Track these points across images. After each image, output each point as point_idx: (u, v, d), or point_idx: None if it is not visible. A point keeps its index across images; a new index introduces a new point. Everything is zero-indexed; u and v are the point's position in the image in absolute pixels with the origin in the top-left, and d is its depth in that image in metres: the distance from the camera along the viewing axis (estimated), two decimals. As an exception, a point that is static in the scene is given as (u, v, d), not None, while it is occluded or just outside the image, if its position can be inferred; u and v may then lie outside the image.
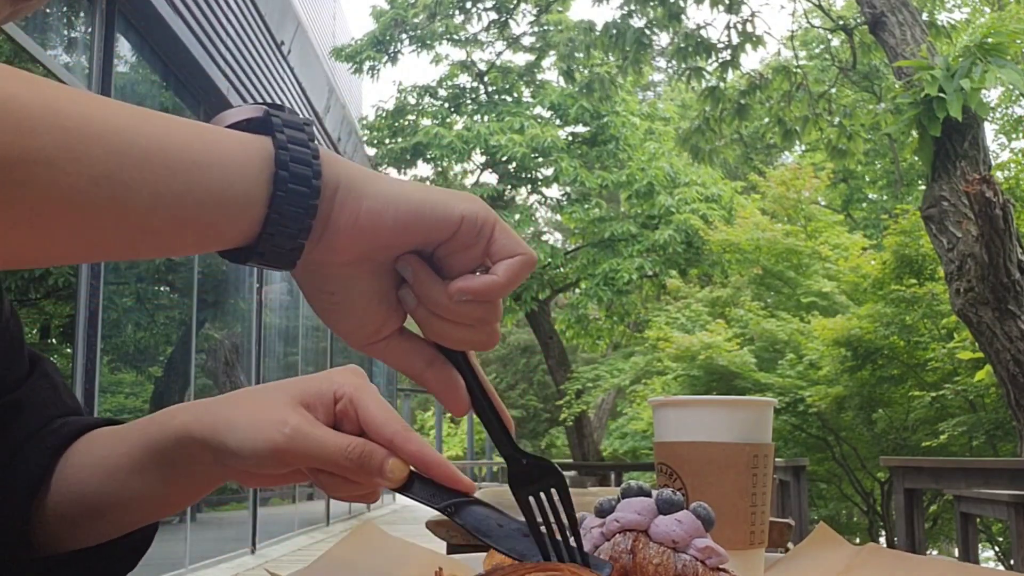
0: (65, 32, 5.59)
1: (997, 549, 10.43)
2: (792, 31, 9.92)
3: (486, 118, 17.24)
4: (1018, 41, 6.69)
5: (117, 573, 0.76)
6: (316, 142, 0.54)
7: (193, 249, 0.52)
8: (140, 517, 0.75)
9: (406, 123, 17.78)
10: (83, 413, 0.80)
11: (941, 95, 6.01)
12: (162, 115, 0.50)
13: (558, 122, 17.92)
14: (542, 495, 0.61)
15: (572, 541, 0.61)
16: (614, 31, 9.41)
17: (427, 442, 0.65)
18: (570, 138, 17.61)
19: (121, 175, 0.47)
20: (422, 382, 0.60)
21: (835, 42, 13.96)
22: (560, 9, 16.36)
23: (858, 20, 8.23)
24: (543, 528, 0.60)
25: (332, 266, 0.55)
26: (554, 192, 18.77)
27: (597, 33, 9.60)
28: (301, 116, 0.54)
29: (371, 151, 17.46)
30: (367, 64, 17.10)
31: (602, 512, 0.68)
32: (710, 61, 9.25)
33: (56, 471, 0.73)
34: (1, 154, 0.43)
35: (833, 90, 9.41)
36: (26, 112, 0.44)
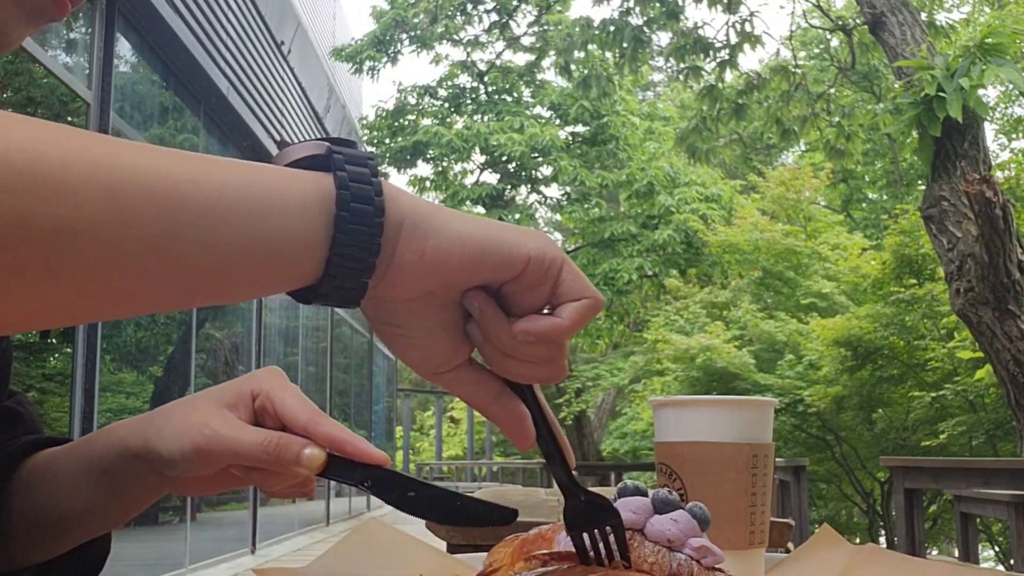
0: (65, 32, 5.59)
1: (997, 549, 10.43)
2: (791, 31, 9.92)
3: (486, 118, 17.25)
4: (1018, 41, 6.69)
5: None
6: (380, 177, 0.52)
7: (253, 295, 0.51)
8: (85, 533, 0.77)
9: (406, 123, 17.78)
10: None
11: (941, 95, 6.01)
12: (216, 161, 0.48)
13: (558, 122, 17.93)
14: (596, 533, 0.61)
15: None
16: (612, 28, 9.41)
17: (338, 423, 0.67)
18: (570, 138, 17.62)
19: (175, 235, 0.45)
20: (489, 415, 0.59)
21: (834, 42, 13.96)
22: (560, 9, 16.37)
23: (857, 20, 8.24)
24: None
25: (397, 301, 0.54)
26: (554, 192, 18.78)
27: (595, 30, 9.60)
28: (364, 151, 0.53)
29: (371, 151, 17.44)
30: (367, 64, 17.10)
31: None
32: (708, 60, 9.25)
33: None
34: (47, 226, 0.41)
35: (832, 90, 9.41)
36: (71, 179, 0.42)
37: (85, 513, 0.75)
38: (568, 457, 0.61)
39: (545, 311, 0.56)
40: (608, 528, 0.61)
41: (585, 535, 0.61)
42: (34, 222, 0.41)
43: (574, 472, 0.61)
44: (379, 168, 0.53)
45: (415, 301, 0.54)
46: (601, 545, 0.61)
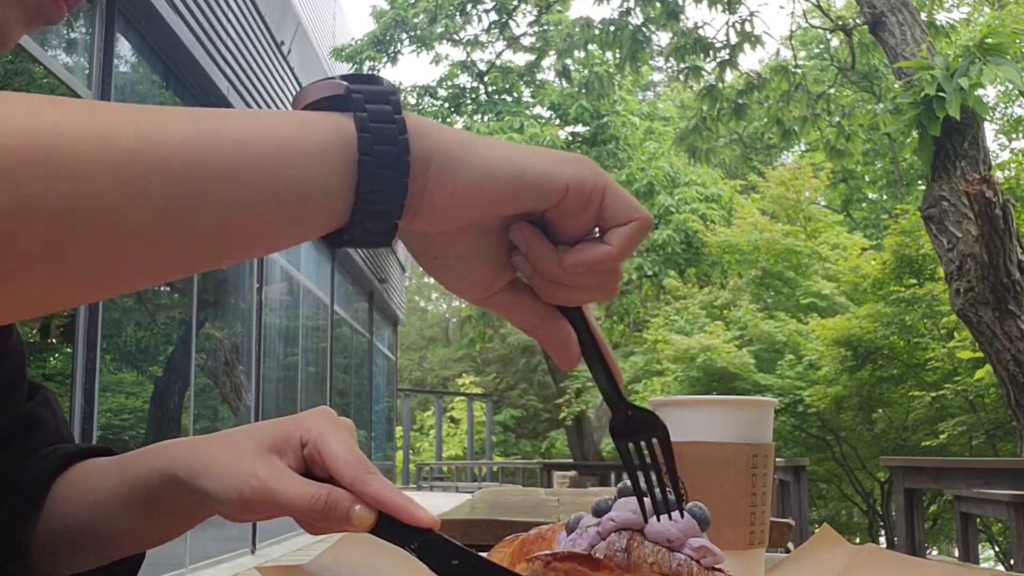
0: (65, 32, 5.59)
1: (997, 549, 10.43)
2: (791, 31, 9.92)
3: (486, 118, 17.26)
4: (1018, 41, 6.69)
5: None
6: (403, 114, 0.50)
7: (278, 248, 0.50)
8: (119, 551, 0.75)
9: (406, 123, 17.80)
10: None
11: (941, 95, 6.01)
12: (228, 116, 0.46)
13: (558, 122, 17.93)
14: (643, 445, 0.60)
15: (671, 494, 0.61)
16: (612, 27, 9.42)
17: (388, 483, 0.64)
18: (570, 138, 17.63)
19: (187, 202, 0.43)
20: (535, 336, 0.58)
21: (834, 42, 13.96)
22: (560, 9, 16.37)
23: (857, 20, 8.24)
24: (641, 478, 0.61)
25: (433, 235, 0.53)
26: (554, 192, 18.79)
27: (595, 30, 9.60)
28: (386, 84, 0.51)
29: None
30: (367, 64, 17.10)
31: (599, 511, 0.68)
32: (708, 60, 9.25)
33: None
34: (51, 208, 0.40)
35: (832, 90, 9.42)
36: (72, 158, 0.40)
37: (125, 532, 0.74)
38: (616, 373, 0.59)
39: (596, 233, 0.55)
40: (654, 440, 0.60)
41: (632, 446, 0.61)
42: (37, 205, 0.39)
43: (621, 389, 0.60)
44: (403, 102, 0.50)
45: (451, 233, 0.53)
46: (647, 454, 0.60)
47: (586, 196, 0.52)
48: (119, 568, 0.77)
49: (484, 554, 0.76)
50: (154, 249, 0.44)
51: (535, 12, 16.67)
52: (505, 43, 17.89)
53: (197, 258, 0.46)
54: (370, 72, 0.51)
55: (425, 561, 0.61)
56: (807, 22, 11.00)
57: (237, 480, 0.64)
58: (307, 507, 0.62)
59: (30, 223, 0.40)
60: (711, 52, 9.17)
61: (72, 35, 5.68)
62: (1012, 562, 6.30)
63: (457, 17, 17.11)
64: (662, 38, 10.11)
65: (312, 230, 0.49)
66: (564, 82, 13.24)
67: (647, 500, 0.61)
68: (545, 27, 16.56)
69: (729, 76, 9.32)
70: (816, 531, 0.92)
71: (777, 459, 7.84)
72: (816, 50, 17.71)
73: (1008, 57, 6.17)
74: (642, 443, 0.60)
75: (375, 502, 0.63)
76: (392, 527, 0.63)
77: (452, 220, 0.51)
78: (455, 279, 0.56)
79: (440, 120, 17.55)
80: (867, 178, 19.87)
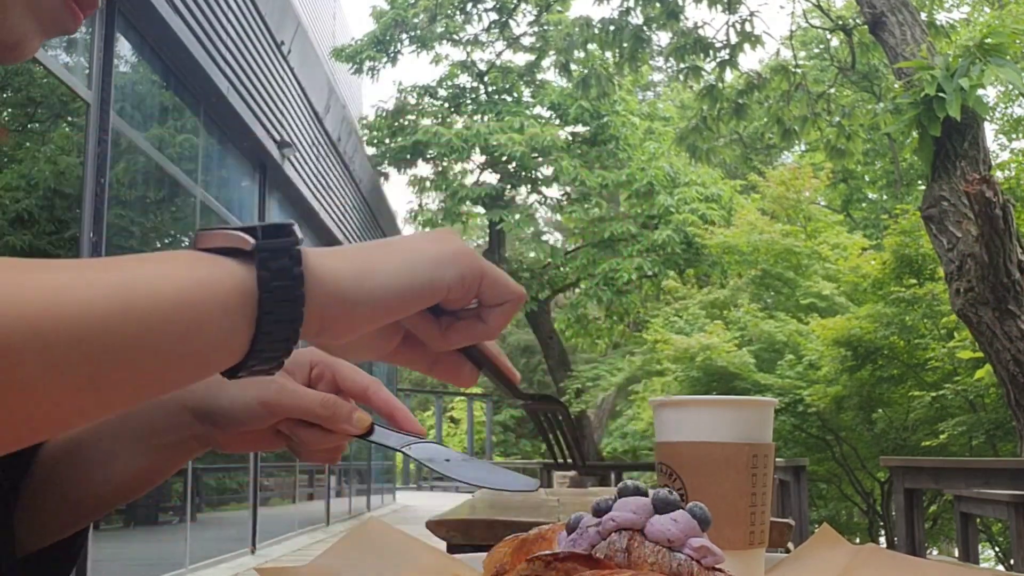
0: (65, 32, 5.59)
1: (997, 549, 10.43)
2: (791, 31, 9.92)
3: (486, 118, 17.25)
4: (1018, 41, 6.69)
5: None
6: (301, 263, 0.52)
7: (177, 388, 0.53)
8: (116, 498, 0.80)
9: (406, 123, 17.78)
10: None
11: (941, 95, 6.01)
12: (139, 279, 0.48)
13: (558, 122, 17.93)
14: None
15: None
16: (611, 27, 9.41)
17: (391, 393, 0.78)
18: (570, 138, 17.62)
19: (106, 373, 0.46)
20: (432, 375, 0.67)
21: (834, 42, 13.97)
22: (560, 9, 16.37)
23: (857, 20, 8.24)
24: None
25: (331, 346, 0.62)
26: (554, 192, 18.78)
27: (595, 29, 9.60)
28: (290, 234, 0.53)
29: (371, 151, 17.45)
30: (367, 64, 17.11)
31: (599, 511, 0.69)
32: (708, 60, 9.25)
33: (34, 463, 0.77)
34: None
35: (832, 90, 9.42)
36: (9, 342, 0.42)
37: (109, 479, 0.78)
38: (512, 376, 0.69)
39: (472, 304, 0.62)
40: (555, 410, 0.79)
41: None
42: None
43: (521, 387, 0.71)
44: (299, 247, 0.53)
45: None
46: (555, 421, 0.73)
47: (466, 288, 0.59)
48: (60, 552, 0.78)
49: (484, 554, 0.76)
50: (69, 410, 0.47)
51: (535, 12, 16.67)
52: (505, 43, 17.90)
53: (107, 408, 0.49)
54: (279, 222, 0.54)
55: (420, 460, 0.72)
56: (807, 22, 11.00)
57: (255, 387, 0.74)
58: (318, 406, 0.74)
59: None
60: (711, 52, 9.16)
61: (72, 35, 5.68)
62: (1012, 562, 6.30)
63: (457, 16, 17.12)
64: (662, 38, 10.11)
65: (208, 373, 0.52)
66: (564, 79, 13.22)
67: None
68: (545, 27, 16.57)
69: (729, 76, 9.32)
70: (816, 531, 0.92)
71: (777, 459, 7.84)
72: (816, 50, 17.71)
73: (1008, 57, 6.17)
74: (549, 414, 0.73)
75: (385, 404, 0.77)
76: (385, 433, 0.75)
77: (350, 336, 0.57)
78: (356, 353, 0.64)
79: (440, 120, 17.58)
80: (867, 178, 19.87)
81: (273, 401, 0.74)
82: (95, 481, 0.77)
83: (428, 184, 17.86)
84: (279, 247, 0.52)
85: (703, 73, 9.26)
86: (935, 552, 11.33)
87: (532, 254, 18.50)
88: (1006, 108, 18.39)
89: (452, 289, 0.58)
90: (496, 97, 18.07)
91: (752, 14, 9.00)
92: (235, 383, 0.71)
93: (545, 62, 17.53)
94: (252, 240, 0.52)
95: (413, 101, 18.11)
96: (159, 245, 7.60)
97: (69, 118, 5.74)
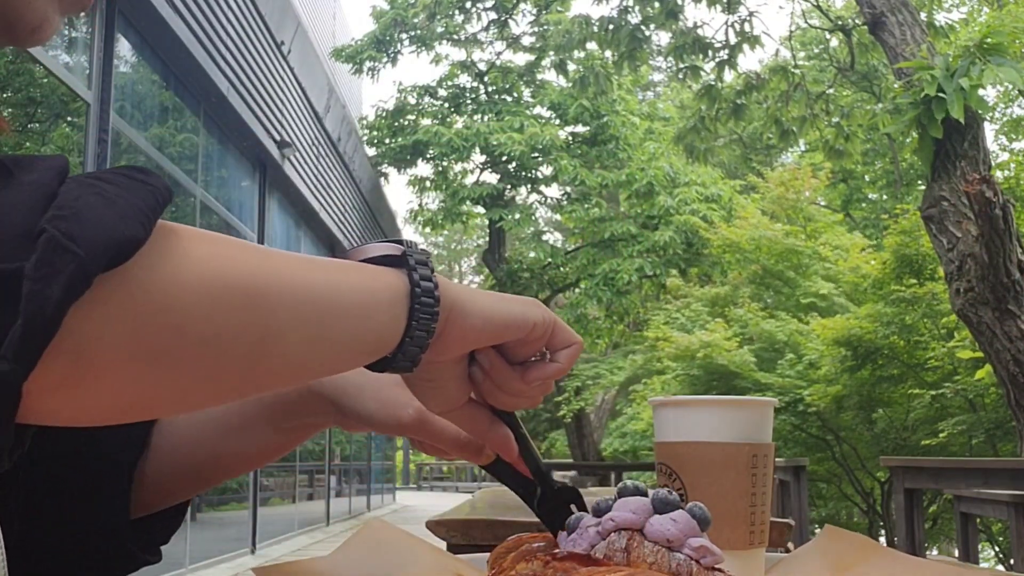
0: (65, 32, 5.59)
1: (997, 549, 10.43)
2: (791, 31, 9.91)
3: (486, 118, 17.24)
4: (1018, 41, 6.69)
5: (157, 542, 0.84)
6: (434, 272, 0.64)
7: (338, 372, 0.63)
8: (234, 471, 0.86)
9: (406, 123, 17.78)
10: None
11: (941, 95, 6.00)
12: (331, 266, 0.58)
13: (558, 121, 17.92)
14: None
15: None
16: (610, 26, 9.41)
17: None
18: (570, 137, 17.61)
19: (324, 334, 0.55)
20: (485, 438, 0.75)
21: (834, 42, 13.96)
22: (560, 9, 16.36)
23: (857, 20, 8.24)
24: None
25: (436, 363, 0.67)
26: (554, 192, 18.77)
27: (593, 27, 9.60)
28: (412, 243, 0.64)
29: (371, 151, 17.45)
30: (367, 64, 17.10)
31: (598, 511, 0.69)
32: (707, 60, 9.24)
33: (153, 432, 0.82)
34: (249, 338, 0.50)
35: (831, 90, 9.41)
36: (270, 296, 0.52)
37: (230, 454, 0.84)
38: (538, 457, 0.78)
39: (535, 356, 0.71)
40: (573, 507, 0.77)
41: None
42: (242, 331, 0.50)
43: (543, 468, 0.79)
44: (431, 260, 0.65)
45: (446, 360, 0.67)
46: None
47: (544, 329, 0.69)
48: (159, 523, 0.83)
49: (484, 554, 0.76)
50: (294, 360, 0.55)
51: (534, 12, 16.68)
52: (505, 43, 17.90)
53: (285, 380, 0.58)
54: (408, 240, 0.67)
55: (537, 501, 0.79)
56: (806, 22, 10.99)
57: (395, 408, 0.80)
58: (452, 442, 0.80)
59: (236, 346, 0.50)
60: (710, 52, 9.16)
61: (72, 35, 5.68)
62: (1012, 562, 6.30)
63: (457, 15, 17.12)
64: (662, 37, 10.11)
65: (370, 358, 0.61)
66: (561, 77, 13.22)
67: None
68: (545, 26, 16.56)
69: (728, 76, 9.31)
70: (817, 532, 0.92)
71: (777, 459, 7.85)
72: (815, 50, 17.70)
73: (1008, 57, 6.17)
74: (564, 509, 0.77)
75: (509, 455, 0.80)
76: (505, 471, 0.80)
77: (457, 351, 0.67)
78: (435, 396, 0.71)
79: (440, 120, 17.58)
80: (867, 178, 19.86)
81: (411, 427, 0.80)
82: (223, 454, 0.83)
83: (428, 184, 17.85)
84: (422, 258, 0.63)
85: (702, 73, 9.25)
86: (935, 552, 11.33)
87: (532, 254, 18.48)
88: (1006, 108, 18.39)
89: (536, 327, 0.68)
90: (496, 97, 18.06)
91: (751, 14, 9.00)
92: (373, 394, 0.80)
93: (545, 62, 17.52)
94: (402, 247, 0.63)
95: (413, 101, 18.10)
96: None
97: (69, 118, 5.74)
